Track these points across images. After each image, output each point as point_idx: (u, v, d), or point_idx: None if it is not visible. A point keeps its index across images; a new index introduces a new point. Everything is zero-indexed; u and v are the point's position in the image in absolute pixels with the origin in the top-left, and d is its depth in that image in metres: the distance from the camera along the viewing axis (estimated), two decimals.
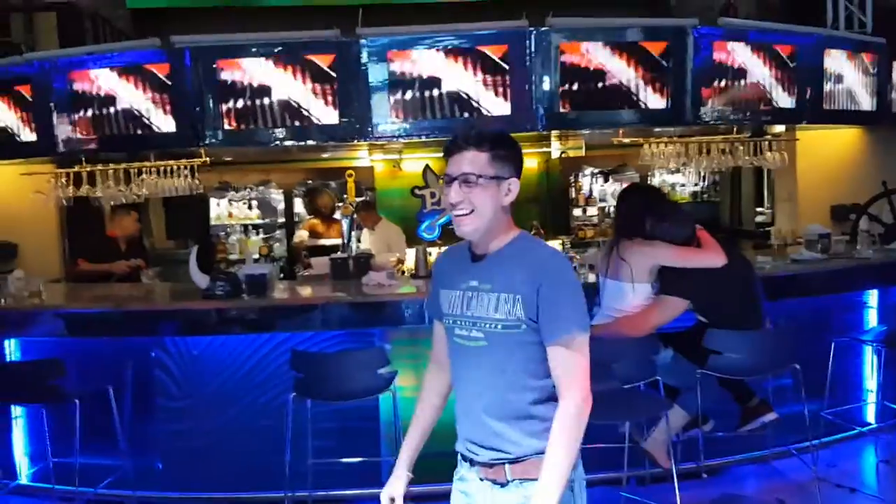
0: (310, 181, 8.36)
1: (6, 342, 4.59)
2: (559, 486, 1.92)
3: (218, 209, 8.37)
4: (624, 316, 3.75)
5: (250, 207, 8.49)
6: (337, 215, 7.76)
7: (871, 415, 5.11)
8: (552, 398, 2.01)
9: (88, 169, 5.71)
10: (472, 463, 2.10)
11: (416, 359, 4.42)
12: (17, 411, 4.62)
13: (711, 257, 3.67)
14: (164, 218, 8.59)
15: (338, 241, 6.81)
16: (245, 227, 8.44)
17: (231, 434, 4.39)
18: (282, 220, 8.48)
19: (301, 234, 6.97)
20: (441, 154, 6.29)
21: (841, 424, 4.80)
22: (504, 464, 2.03)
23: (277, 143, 5.07)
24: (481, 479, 2.09)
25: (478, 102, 4.98)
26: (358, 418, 4.30)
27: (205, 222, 8.20)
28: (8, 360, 4.63)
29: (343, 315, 4.29)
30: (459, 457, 2.17)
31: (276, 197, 8.55)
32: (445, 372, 2.24)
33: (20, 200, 6.09)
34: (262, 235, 8.46)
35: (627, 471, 4.07)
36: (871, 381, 5.12)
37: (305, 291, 4.84)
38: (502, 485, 2.04)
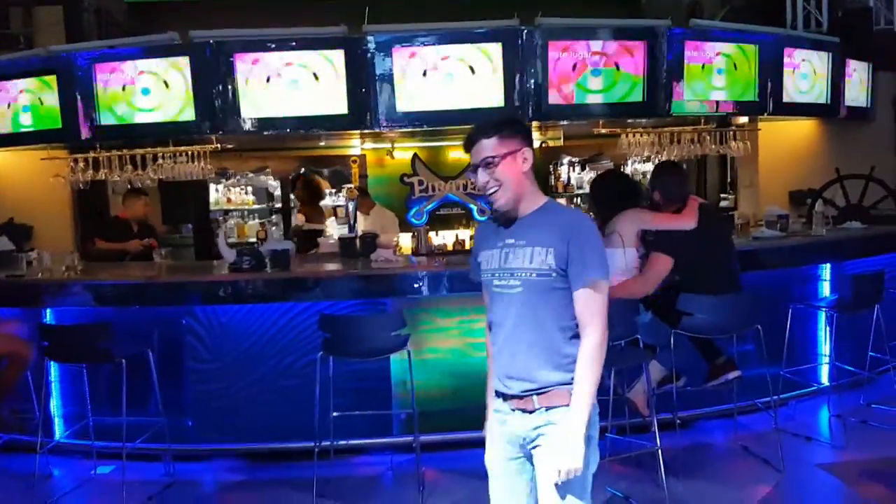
0: (304, 169, 8.78)
1: (46, 311, 4.99)
2: (587, 406, 2.35)
3: (217, 194, 8.75)
4: (629, 279, 4.31)
5: (247, 193, 8.88)
6: (329, 201, 8.21)
7: (825, 375, 5.72)
8: (575, 336, 2.42)
9: (105, 154, 6.10)
10: (506, 398, 2.49)
11: (421, 325, 4.93)
12: (53, 374, 5.04)
13: (683, 222, 4.31)
14: (160, 203, 8.94)
15: (321, 227, 7.21)
16: (242, 212, 8.82)
17: (255, 393, 4.86)
18: (278, 205, 8.87)
19: (301, 217, 7.36)
20: (430, 143, 6.84)
21: (799, 383, 5.42)
22: (532, 395, 2.43)
23: (289, 130, 5.54)
24: (513, 410, 2.49)
25: (473, 95, 5.46)
26: (372, 378, 4.79)
27: (204, 207, 8.55)
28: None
29: (357, 286, 4.75)
30: (495, 393, 2.57)
31: (273, 183, 8.94)
32: None
33: (36, 184, 6.49)
34: (258, 220, 8.85)
35: (611, 420, 4.63)
36: (825, 346, 5.74)
37: (322, 266, 5.29)
38: (530, 412, 2.44)
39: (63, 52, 5.60)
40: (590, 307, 2.39)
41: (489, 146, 2.42)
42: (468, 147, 2.48)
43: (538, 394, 2.43)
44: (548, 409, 2.42)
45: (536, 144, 9.03)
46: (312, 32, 5.43)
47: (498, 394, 2.54)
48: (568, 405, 2.39)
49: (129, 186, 6.43)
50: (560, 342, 2.43)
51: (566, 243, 2.38)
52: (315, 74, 5.36)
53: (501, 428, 2.54)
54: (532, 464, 2.51)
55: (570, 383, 2.40)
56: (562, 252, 2.38)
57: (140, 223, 6.72)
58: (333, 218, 8.47)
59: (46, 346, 4.37)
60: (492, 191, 2.44)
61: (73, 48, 5.69)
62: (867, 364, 5.33)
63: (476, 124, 2.50)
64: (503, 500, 2.57)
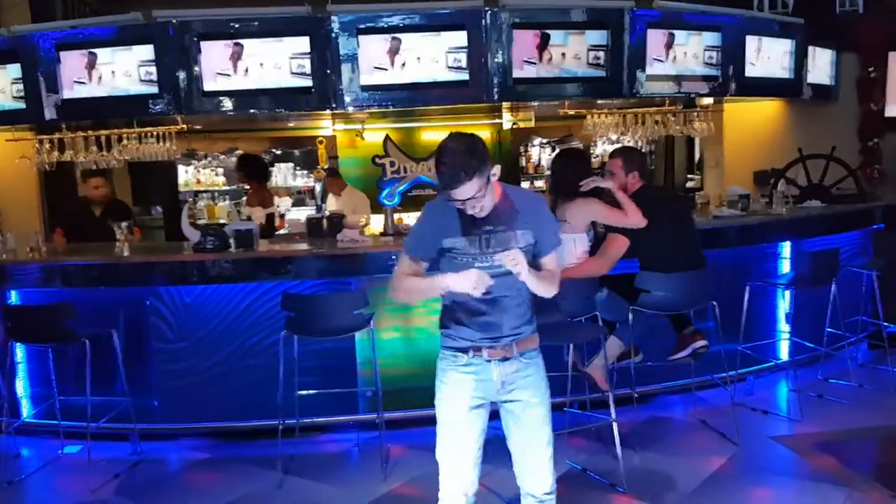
0: (274, 150, 8.76)
1: (11, 292, 4.99)
2: (534, 276, 2.66)
3: (186, 175, 8.71)
4: (587, 259, 4.40)
5: (217, 174, 8.85)
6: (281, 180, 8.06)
7: (784, 351, 5.86)
8: (530, 296, 2.81)
9: (70, 136, 6.06)
10: (480, 350, 2.75)
11: (386, 304, 4.97)
12: (18, 355, 5.05)
13: (634, 220, 4.33)
14: (129, 184, 8.90)
15: (271, 211, 7.08)
16: (213, 193, 8.80)
17: (221, 372, 4.90)
18: (247, 186, 8.82)
19: (248, 210, 7.17)
20: (401, 125, 6.80)
21: (759, 358, 5.53)
22: (512, 343, 2.76)
23: (254, 111, 5.55)
24: (488, 361, 2.76)
25: (438, 74, 5.48)
26: (338, 357, 4.85)
27: (173, 188, 8.52)
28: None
29: (322, 266, 4.79)
30: (457, 352, 2.80)
31: None
32: None
33: (3, 165, 6.43)
34: (228, 201, 8.83)
35: (571, 396, 4.73)
36: (784, 322, 5.86)
37: (287, 246, 5.32)
38: (508, 359, 2.77)
39: (26, 32, 5.55)
40: (557, 262, 2.88)
41: (474, 186, 2.52)
42: (451, 187, 2.54)
43: (515, 341, 2.78)
44: (521, 353, 2.79)
45: (507, 126, 9.09)
46: (276, 12, 5.42)
47: (470, 348, 2.78)
48: (537, 348, 2.86)
49: (93, 167, 6.36)
50: (528, 302, 2.82)
51: (537, 223, 2.76)
52: (279, 53, 5.36)
53: (473, 378, 2.79)
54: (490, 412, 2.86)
55: (537, 331, 2.88)
56: (535, 230, 2.75)
57: (106, 206, 6.64)
58: (288, 198, 8.43)
59: (9, 327, 4.39)
60: (477, 207, 2.60)
61: (36, 28, 5.65)
62: (825, 340, 5.46)
63: (454, 166, 2.51)
64: (458, 443, 2.83)
